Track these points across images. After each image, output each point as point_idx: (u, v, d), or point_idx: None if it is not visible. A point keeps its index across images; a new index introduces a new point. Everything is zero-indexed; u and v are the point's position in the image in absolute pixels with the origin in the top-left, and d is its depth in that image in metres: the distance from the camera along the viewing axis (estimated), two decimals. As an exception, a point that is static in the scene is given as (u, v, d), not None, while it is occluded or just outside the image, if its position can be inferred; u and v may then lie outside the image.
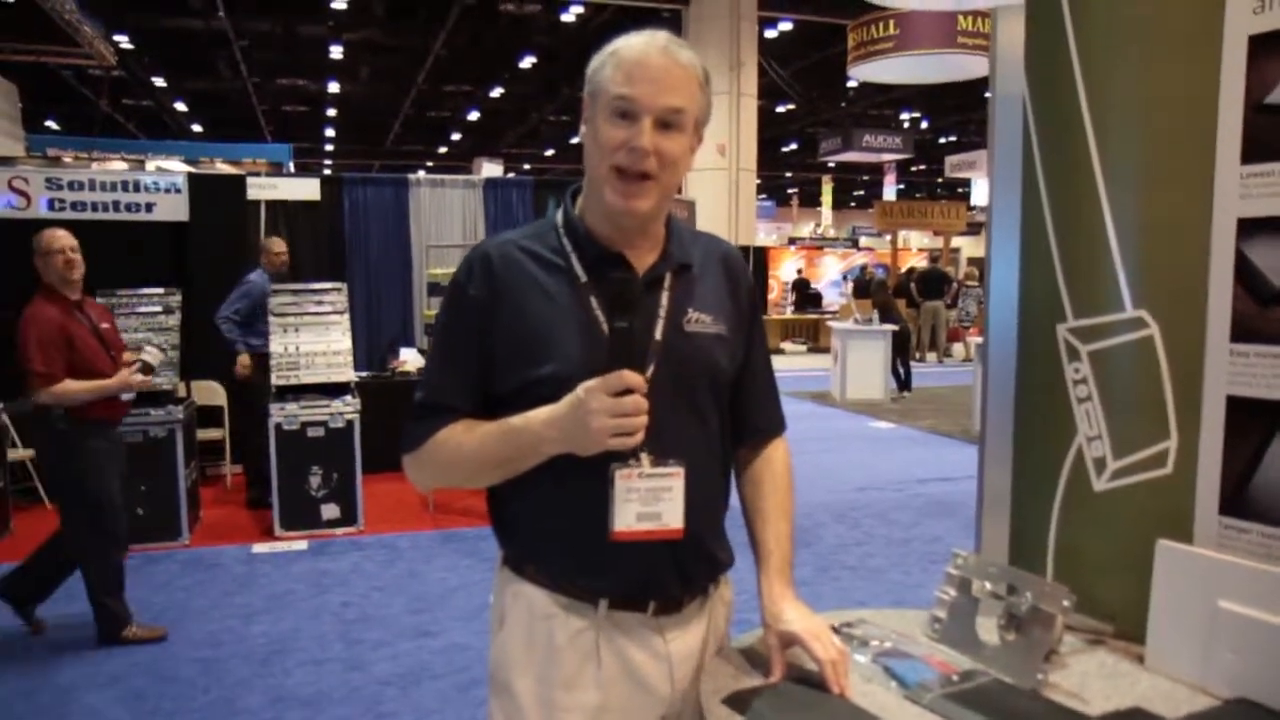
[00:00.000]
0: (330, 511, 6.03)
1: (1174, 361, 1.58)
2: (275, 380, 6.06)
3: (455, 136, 26.56)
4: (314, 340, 6.24)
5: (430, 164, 29.55)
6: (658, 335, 1.45)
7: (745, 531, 1.60)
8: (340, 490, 6.03)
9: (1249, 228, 1.48)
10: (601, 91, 1.41)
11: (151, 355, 4.37)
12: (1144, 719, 1.33)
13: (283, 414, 5.90)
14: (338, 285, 6.59)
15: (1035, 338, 1.77)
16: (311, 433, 5.94)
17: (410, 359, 7.75)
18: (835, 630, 1.59)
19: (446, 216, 8.93)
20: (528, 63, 18.29)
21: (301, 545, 5.83)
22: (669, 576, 1.47)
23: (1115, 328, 1.64)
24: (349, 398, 6.03)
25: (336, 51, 17.45)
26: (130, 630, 4.32)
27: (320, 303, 6.41)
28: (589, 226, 1.48)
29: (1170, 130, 1.59)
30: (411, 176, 9.08)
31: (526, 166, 30.00)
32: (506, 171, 21.84)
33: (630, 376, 1.30)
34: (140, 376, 4.26)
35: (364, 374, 7.38)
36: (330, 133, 26.04)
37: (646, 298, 1.46)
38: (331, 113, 23.29)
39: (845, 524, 6.32)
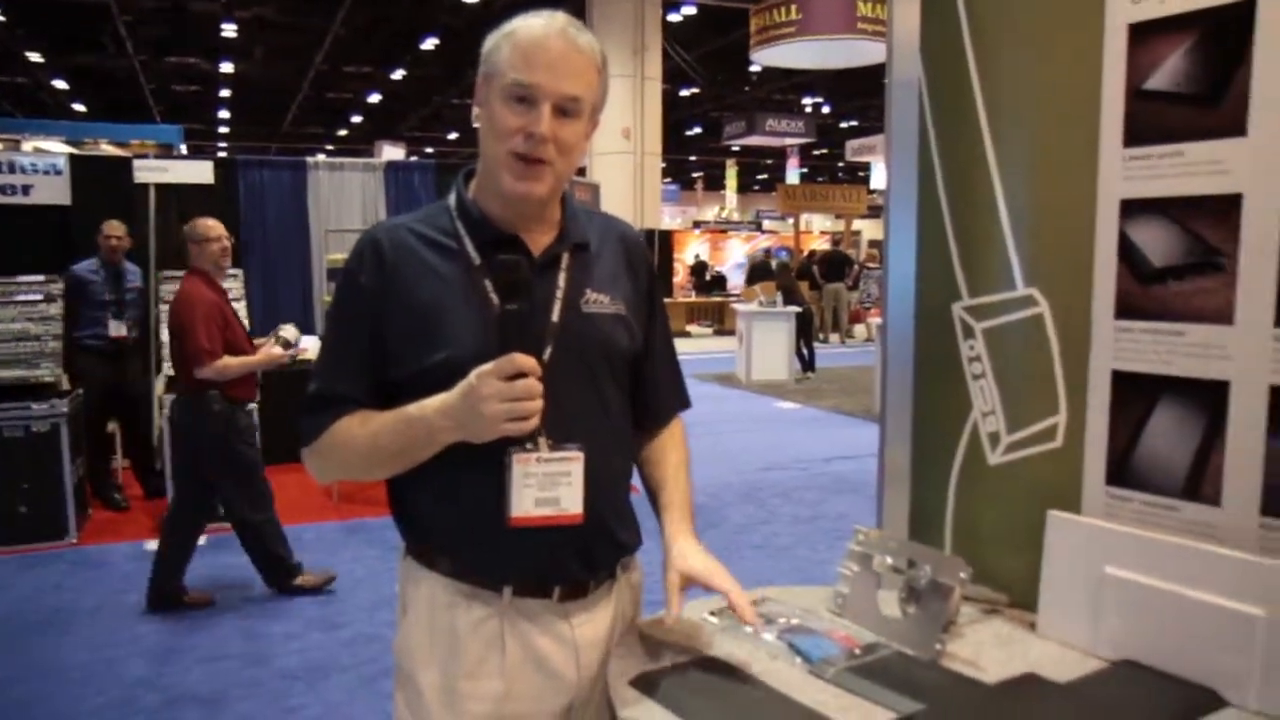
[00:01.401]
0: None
1: (1063, 338, 1.63)
2: (167, 370, 5.86)
3: (356, 119, 25.99)
4: (208, 328, 6.03)
5: (330, 147, 28.89)
6: (555, 316, 1.44)
7: (652, 513, 1.60)
8: (240, 483, 5.86)
9: (1131, 209, 1.54)
10: (497, 74, 1.38)
11: (289, 332, 4.74)
12: (1036, 685, 1.37)
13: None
14: (233, 271, 6.40)
15: (932, 316, 1.81)
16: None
17: (311, 347, 7.57)
18: (741, 609, 1.61)
19: (346, 200, 8.74)
20: (430, 44, 17.97)
21: (199, 540, 5.65)
22: (572, 561, 1.46)
23: (1007, 306, 1.69)
24: (247, 387, 5.86)
25: (229, 29, 16.88)
26: (303, 578, 4.76)
27: (214, 290, 6.21)
28: (483, 208, 1.46)
29: (1058, 115, 1.63)
30: (310, 159, 8.85)
31: (429, 150, 29.55)
32: (409, 155, 21.47)
33: (522, 360, 1.28)
34: (280, 349, 4.66)
35: (263, 362, 7.18)
36: (224, 114, 25.21)
37: (543, 278, 1.44)
38: (225, 93, 22.53)
39: (751, 503, 6.41)
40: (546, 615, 1.47)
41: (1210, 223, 1.45)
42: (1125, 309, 1.56)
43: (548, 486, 1.37)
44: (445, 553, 1.46)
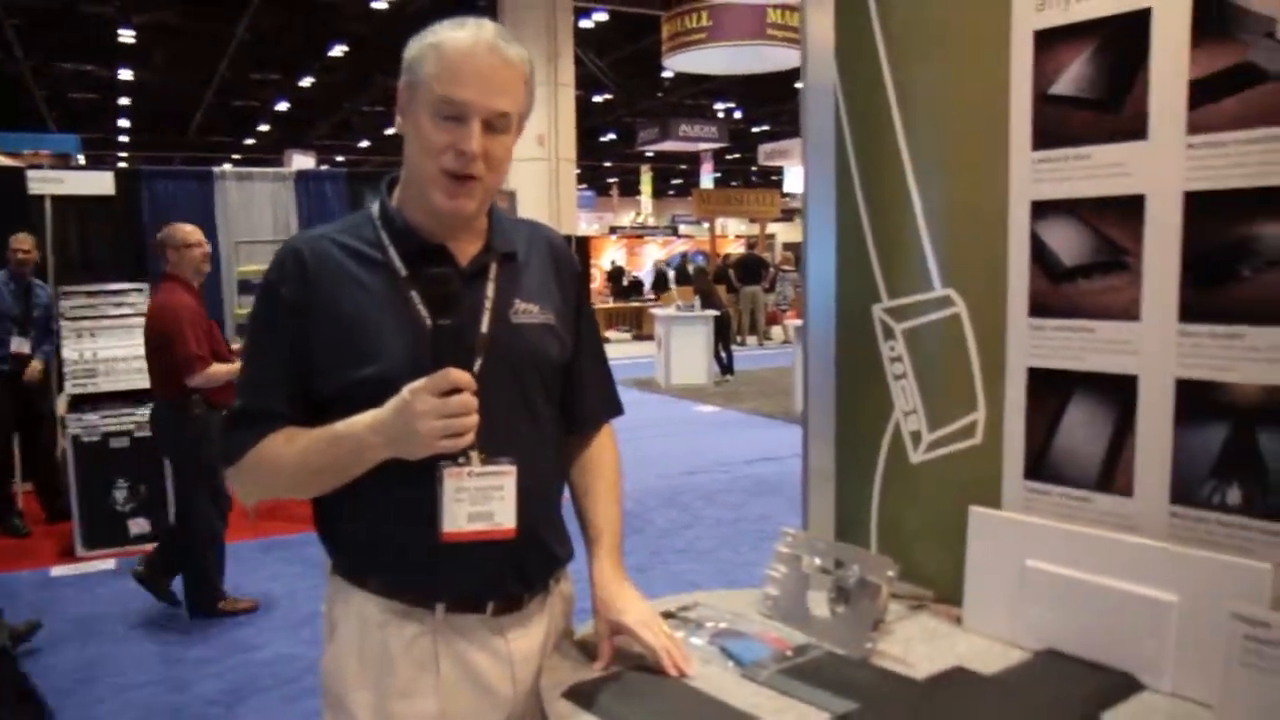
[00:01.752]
0: (139, 526, 5.67)
1: (979, 337, 1.67)
2: (70, 389, 5.66)
3: (263, 127, 25.40)
4: (114, 345, 5.85)
5: (237, 156, 28.18)
6: (484, 328, 1.41)
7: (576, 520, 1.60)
8: (149, 503, 5.67)
9: (1041, 210, 1.58)
10: (424, 87, 1.35)
11: None
12: (964, 678, 1.40)
13: (81, 425, 5.51)
14: (138, 286, 6.21)
15: (852, 318, 1.83)
16: (115, 443, 5.57)
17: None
18: (671, 615, 1.62)
19: (256, 211, 8.53)
20: (339, 51, 17.67)
21: (108, 564, 5.46)
22: (506, 576, 1.44)
23: (925, 306, 1.72)
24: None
25: (127, 35, 16.35)
26: (226, 602, 4.61)
27: (119, 305, 6.03)
28: (408, 218, 1.43)
29: (970, 119, 1.67)
30: (217, 169, 8.63)
31: (340, 159, 29.04)
32: (319, 164, 21.08)
33: (457, 375, 1.27)
34: None
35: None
36: (124, 123, 24.41)
37: (471, 289, 1.42)
38: (125, 101, 21.83)
39: (675, 507, 6.43)
40: (481, 631, 1.44)
41: (1116, 223, 1.50)
42: (1038, 307, 1.60)
43: (480, 501, 1.35)
44: (375, 570, 1.42)
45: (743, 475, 7.37)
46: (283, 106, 22.78)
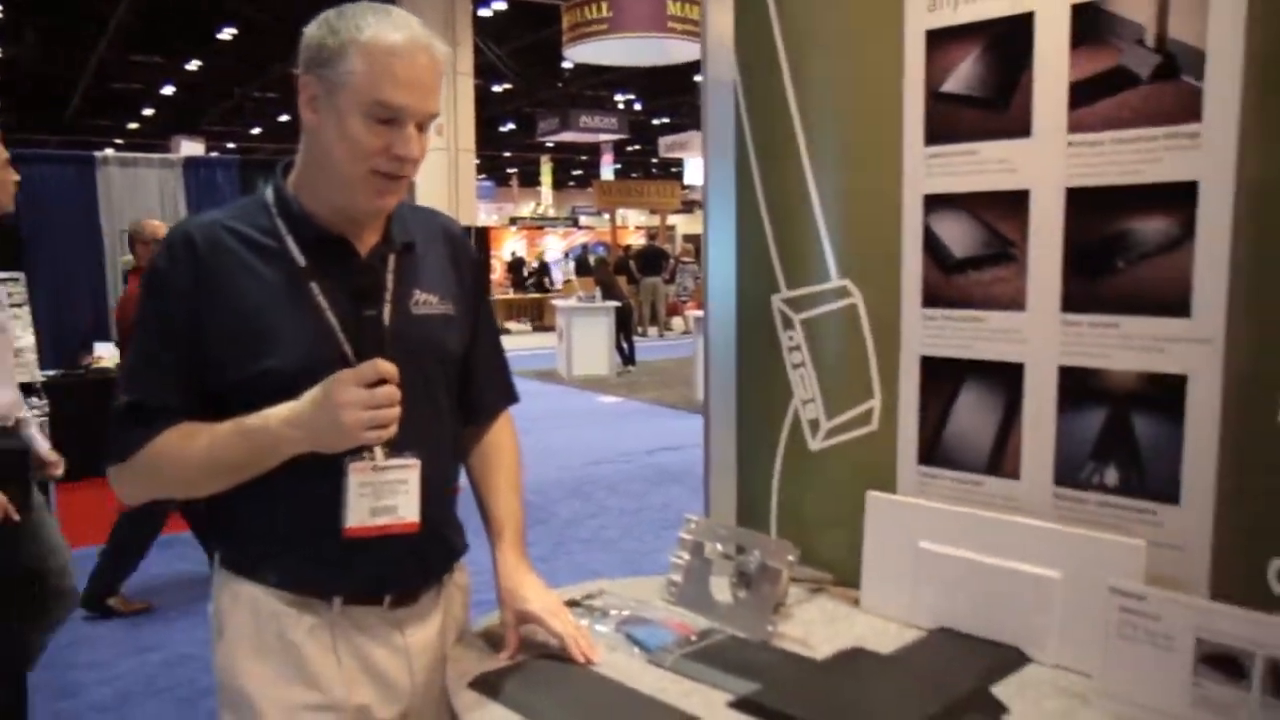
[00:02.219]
0: None
1: (875, 326, 1.72)
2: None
3: (148, 112, 24.46)
4: (-13, 338, 5.58)
5: (120, 141, 27.07)
6: (385, 320, 1.39)
7: (477, 510, 1.59)
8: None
9: (933, 203, 1.63)
10: (350, 86, 1.28)
11: None
12: (862, 657, 1.44)
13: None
14: (14, 275, 5.93)
15: (752, 309, 1.87)
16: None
17: (107, 354, 7.10)
18: (577, 603, 1.63)
19: (142, 198, 8.22)
20: (227, 34, 17.11)
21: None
22: (406, 569, 1.43)
23: (823, 297, 1.76)
24: (35, 400, 5.45)
25: (-4, 11, 15.55)
26: (117, 600, 4.48)
27: (-8, 296, 5.75)
28: (306, 207, 1.39)
29: (865, 114, 1.72)
30: (99, 154, 8.29)
31: (231, 145, 28.15)
32: (209, 150, 20.40)
33: (385, 366, 1.26)
34: None
35: (52, 373, 6.71)
36: (-6, 104, 23.23)
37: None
38: (-6, 81, 20.77)
39: (578, 498, 6.44)
40: (377, 624, 1.42)
41: (1003, 217, 1.56)
42: (931, 298, 1.65)
43: (384, 495, 1.34)
44: (270, 563, 1.39)
45: (645, 465, 7.42)
46: (168, 90, 21.96)
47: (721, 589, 1.62)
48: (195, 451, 1.32)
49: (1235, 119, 1.31)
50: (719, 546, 1.65)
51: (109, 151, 8.56)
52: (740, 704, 1.29)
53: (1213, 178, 1.34)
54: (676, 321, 18.81)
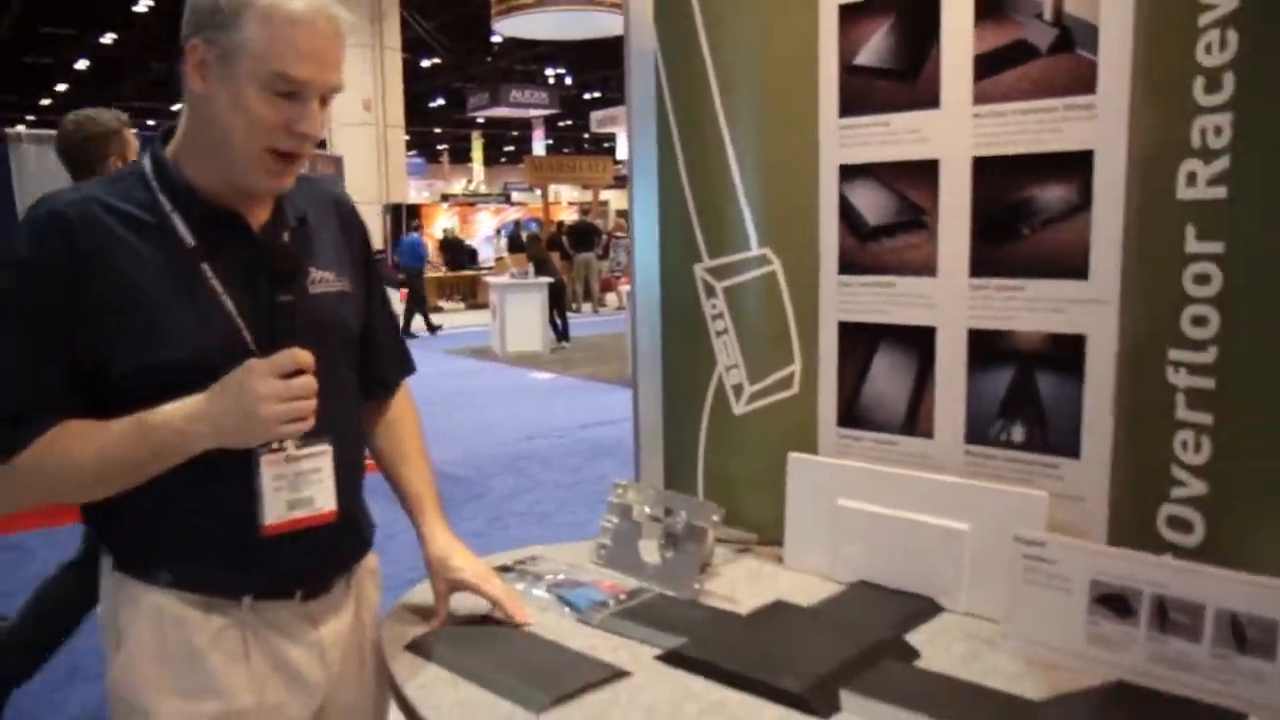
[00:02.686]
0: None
1: (794, 293, 1.78)
2: None
3: (61, 87, 23.68)
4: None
5: (32, 118, 26.18)
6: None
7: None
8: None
9: (848, 173, 1.69)
10: (247, 56, 1.18)
11: None
12: (784, 610, 1.50)
13: None
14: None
15: (676, 278, 1.91)
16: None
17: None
18: (509, 568, 1.67)
19: (63, 177, 7.98)
20: (144, 6, 16.63)
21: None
22: (320, 561, 1.37)
23: (744, 265, 1.81)
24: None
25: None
26: None
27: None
28: (192, 181, 1.27)
29: (782, 87, 1.76)
30: (10, 130, 8.02)
31: (150, 122, 27.39)
32: (130, 126, 19.79)
33: (303, 356, 1.20)
34: None
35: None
36: (-109, 79, 22.28)
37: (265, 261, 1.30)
38: (-109, 55, 19.91)
39: (514, 473, 6.46)
40: (290, 619, 1.35)
41: (914, 185, 1.62)
42: (847, 265, 1.71)
43: (300, 487, 1.27)
44: (173, 565, 1.28)
45: (579, 439, 7.45)
46: (82, 64, 21.27)
47: (650, 551, 1.67)
48: (87, 453, 1.21)
49: (1126, 91, 1.38)
50: (647, 509, 1.69)
51: (21, 129, 8.28)
52: (667, 657, 1.34)
53: (1107, 147, 1.41)
54: (610, 297, 18.83)
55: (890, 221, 1.66)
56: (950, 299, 1.60)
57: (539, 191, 25.81)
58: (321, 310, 1.34)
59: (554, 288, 12.77)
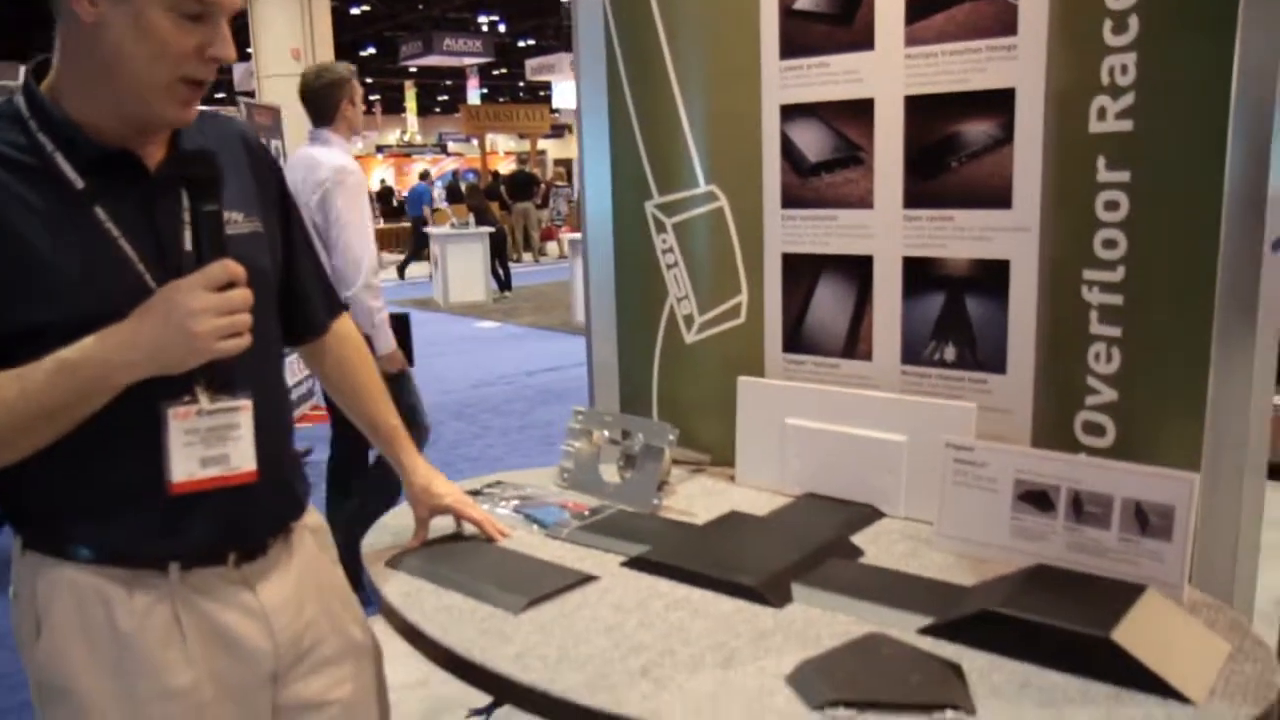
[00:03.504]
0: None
1: (740, 227, 1.88)
2: None
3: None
4: None
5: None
6: (187, 245, 1.18)
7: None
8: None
9: (789, 113, 1.79)
10: None
11: None
12: (739, 519, 1.63)
13: None
14: None
15: (627, 216, 2.00)
16: None
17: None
18: (477, 492, 1.77)
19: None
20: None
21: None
22: (248, 523, 1.27)
23: (692, 201, 1.91)
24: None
25: None
26: None
27: None
28: (72, 117, 1.15)
29: (726, 31, 1.85)
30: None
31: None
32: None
33: (234, 267, 1.13)
34: None
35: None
36: None
37: (165, 201, 1.19)
38: None
39: (463, 420, 6.53)
40: (225, 587, 1.25)
41: (851, 123, 1.72)
42: (789, 199, 1.82)
43: (213, 443, 1.17)
44: (86, 537, 1.19)
45: (526, 386, 7.54)
46: (-5, 16, 20.44)
47: (610, 472, 1.78)
48: (5, 402, 1.08)
49: (1044, 32, 1.49)
50: (606, 433, 1.80)
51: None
52: (632, 562, 1.45)
53: (1027, 85, 1.52)
54: (551, 246, 18.79)
55: (829, 158, 1.76)
56: (886, 230, 1.71)
57: (476, 141, 25.55)
58: (234, 251, 1.19)
59: (494, 237, 12.74)
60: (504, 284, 13.09)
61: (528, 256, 18.18)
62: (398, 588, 1.41)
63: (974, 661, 1.14)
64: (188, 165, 1.19)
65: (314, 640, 1.32)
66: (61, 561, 1.19)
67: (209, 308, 1.10)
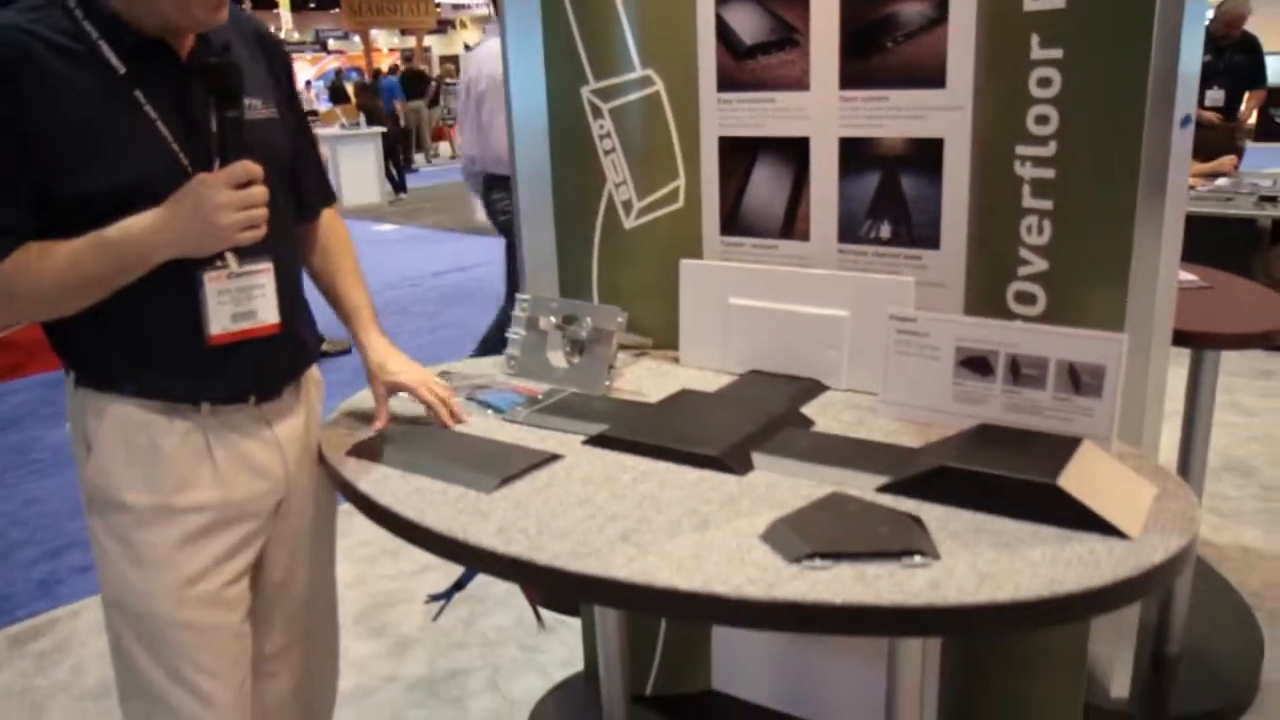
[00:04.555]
0: None
1: (677, 111, 1.88)
2: None
3: None
4: None
5: None
6: (213, 127, 1.35)
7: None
8: None
9: (725, -7, 1.78)
10: None
11: None
12: (690, 395, 1.67)
13: None
14: None
15: (563, 103, 1.98)
16: None
17: None
18: (426, 384, 1.77)
19: None
20: None
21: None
22: (269, 369, 1.47)
23: (628, 86, 1.90)
24: None
25: None
26: None
27: None
28: (114, 8, 1.29)
29: (658, -93, 1.82)
30: None
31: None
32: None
33: (253, 167, 1.28)
34: None
35: None
36: None
37: (195, 87, 1.34)
38: None
39: (370, 325, 6.45)
40: (247, 421, 1.46)
41: (786, 5, 1.73)
42: (725, 83, 1.83)
43: (243, 301, 1.38)
44: (133, 376, 1.38)
45: (433, 287, 7.45)
46: None
47: (558, 359, 1.80)
48: (52, 269, 1.27)
49: (981, -93, 1.52)
50: (552, 319, 1.81)
51: None
52: (594, 440, 1.49)
53: (963, -39, 1.55)
54: (443, 146, 18.34)
55: (765, 40, 1.77)
56: (822, 111, 1.74)
57: (358, 38, 24.50)
58: (252, 136, 1.37)
59: (387, 138, 12.38)
60: (399, 185, 12.78)
61: (419, 158, 17.74)
62: (365, 475, 1.42)
63: (931, 513, 1.22)
64: (216, 75, 1.33)
65: (304, 483, 1.54)
66: (107, 395, 1.39)
67: (231, 203, 1.26)
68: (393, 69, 20.32)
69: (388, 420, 1.58)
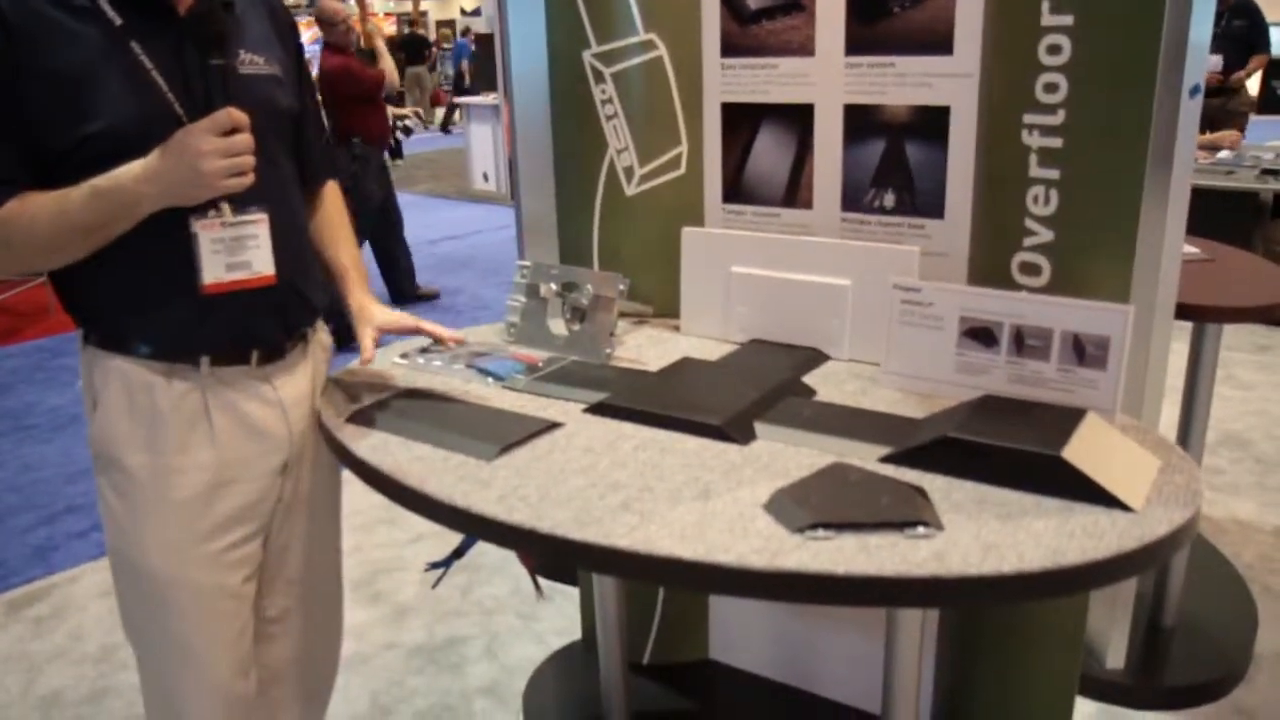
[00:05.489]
0: None
1: (680, 76, 1.86)
2: None
3: None
4: None
5: None
6: (199, 75, 1.35)
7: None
8: None
9: (730, -44, 1.75)
10: None
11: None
12: (691, 364, 1.66)
13: None
14: None
15: (564, 67, 1.95)
16: None
17: None
18: (425, 350, 1.76)
19: None
20: None
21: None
22: (267, 323, 1.47)
23: (631, 50, 1.88)
24: None
25: None
26: None
27: None
28: None
29: None
30: None
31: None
32: None
33: (238, 114, 1.28)
34: None
35: None
36: None
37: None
38: None
39: (373, 291, 6.41)
40: (248, 381, 1.47)
41: (793, -33, 1.70)
42: (729, 48, 1.80)
43: (237, 251, 1.37)
44: (134, 333, 1.41)
45: (430, 255, 7.40)
46: None
47: (558, 326, 1.79)
48: (45, 220, 1.29)
49: None
50: (553, 286, 1.80)
51: None
52: (595, 408, 1.48)
53: (973, -76, 1.52)
54: (439, 112, 18.19)
55: (770, 4, 1.74)
56: (827, 77, 1.72)
57: (354, 1, 24.23)
58: (250, 89, 1.40)
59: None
60: (395, 152, 12.68)
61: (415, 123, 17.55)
62: (365, 442, 1.41)
63: (934, 484, 1.21)
64: (201, 22, 1.34)
65: (311, 444, 1.56)
66: (112, 354, 1.42)
67: (215, 149, 1.27)
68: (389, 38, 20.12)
69: (373, 354, 1.58)
